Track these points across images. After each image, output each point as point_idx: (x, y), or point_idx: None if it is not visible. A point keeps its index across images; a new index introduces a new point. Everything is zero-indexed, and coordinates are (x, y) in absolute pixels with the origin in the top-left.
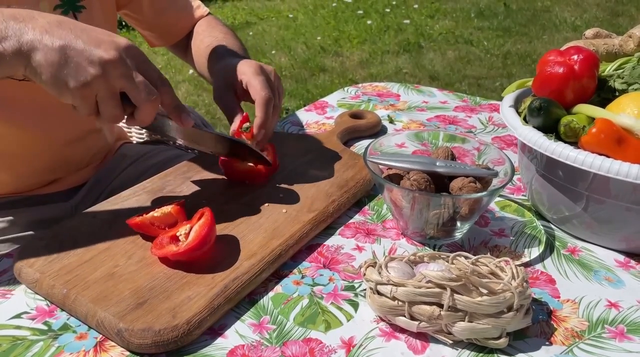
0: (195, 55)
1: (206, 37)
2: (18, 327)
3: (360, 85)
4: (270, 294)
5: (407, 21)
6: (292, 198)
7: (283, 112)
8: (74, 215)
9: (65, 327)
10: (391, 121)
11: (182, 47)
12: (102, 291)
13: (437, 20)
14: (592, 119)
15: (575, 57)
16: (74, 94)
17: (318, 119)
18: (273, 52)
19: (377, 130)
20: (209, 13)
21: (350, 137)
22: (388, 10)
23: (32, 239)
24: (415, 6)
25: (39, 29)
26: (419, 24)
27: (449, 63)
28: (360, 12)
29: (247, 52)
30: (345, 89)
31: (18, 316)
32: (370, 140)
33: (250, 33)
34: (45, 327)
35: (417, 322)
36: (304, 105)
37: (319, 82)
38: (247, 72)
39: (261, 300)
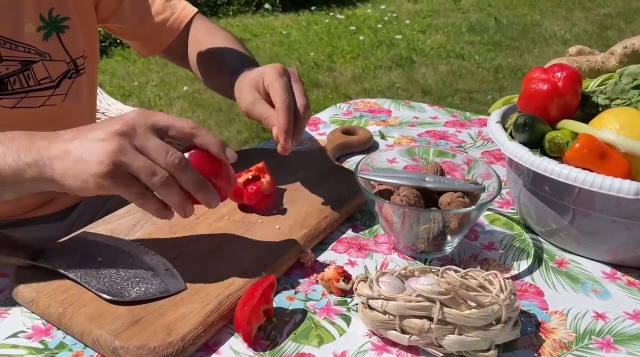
0: (200, 66)
1: (211, 46)
2: (15, 347)
3: (352, 101)
4: None
5: (399, 36)
6: (285, 214)
7: None
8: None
9: (61, 346)
10: (382, 137)
11: (178, 54)
12: (97, 309)
13: (429, 35)
14: (575, 135)
15: (559, 74)
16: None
17: (310, 136)
18: None
19: (368, 146)
20: (197, 12)
21: (342, 153)
22: (380, 25)
23: None
24: (407, 21)
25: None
26: (411, 39)
27: (441, 77)
28: (353, 27)
29: (251, 54)
30: (338, 105)
31: (15, 335)
32: (362, 156)
33: None
34: (41, 346)
35: (408, 336)
36: None
37: (313, 98)
38: (269, 74)
39: None
